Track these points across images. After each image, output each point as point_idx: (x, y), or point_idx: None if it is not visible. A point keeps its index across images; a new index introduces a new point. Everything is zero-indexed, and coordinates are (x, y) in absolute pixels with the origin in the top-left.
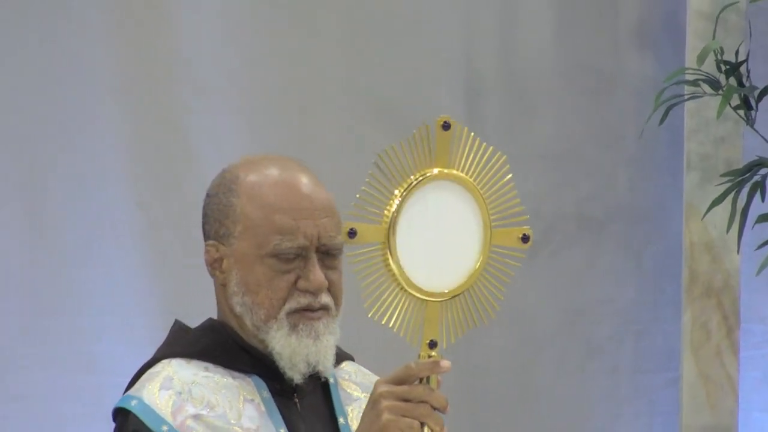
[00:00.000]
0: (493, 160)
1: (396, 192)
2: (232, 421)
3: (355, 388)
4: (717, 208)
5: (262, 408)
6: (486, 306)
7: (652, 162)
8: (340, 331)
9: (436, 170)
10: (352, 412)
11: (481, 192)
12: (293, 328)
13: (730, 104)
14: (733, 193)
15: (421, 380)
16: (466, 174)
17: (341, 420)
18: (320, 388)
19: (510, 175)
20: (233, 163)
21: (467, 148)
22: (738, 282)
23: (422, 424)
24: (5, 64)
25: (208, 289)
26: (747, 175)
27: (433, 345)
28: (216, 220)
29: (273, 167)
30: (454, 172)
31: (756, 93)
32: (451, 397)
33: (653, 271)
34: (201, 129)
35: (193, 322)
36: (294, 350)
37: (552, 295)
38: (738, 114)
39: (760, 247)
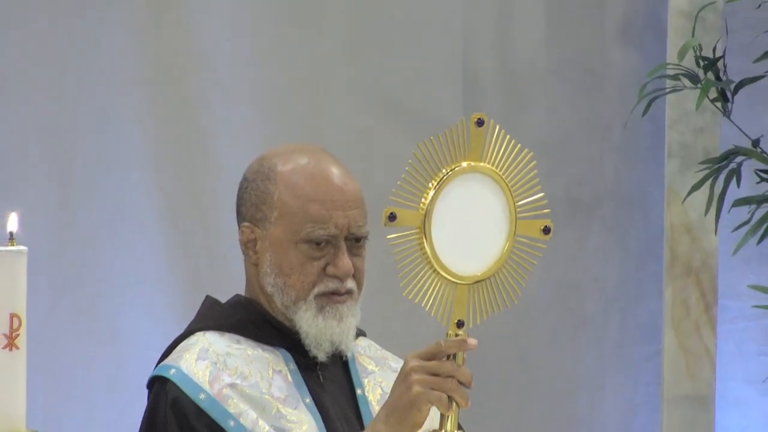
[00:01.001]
0: (521, 156)
1: (432, 182)
2: (264, 391)
3: (369, 362)
4: (696, 193)
5: (290, 379)
6: (509, 291)
7: (636, 150)
8: (360, 313)
9: (468, 163)
10: (368, 384)
11: (509, 185)
12: (320, 309)
13: (708, 97)
14: (711, 179)
15: (448, 357)
16: (496, 168)
17: (359, 391)
18: (339, 361)
19: (535, 171)
20: (271, 150)
21: (498, 144)
22: (715, 261)
23: (449, 398)
24: (37, 59)
25: (222, 267)
26: (724, 162)
27: (460, 324)
28: (253, 204)
29: (308, 158)
30: (486, 165)
31: (732, 86)
32: None
33: (637, 251)
34: (216, 119)
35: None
36: (320, 330)
37: (545, 273)
38: (715, 106)
39: (736, 229)
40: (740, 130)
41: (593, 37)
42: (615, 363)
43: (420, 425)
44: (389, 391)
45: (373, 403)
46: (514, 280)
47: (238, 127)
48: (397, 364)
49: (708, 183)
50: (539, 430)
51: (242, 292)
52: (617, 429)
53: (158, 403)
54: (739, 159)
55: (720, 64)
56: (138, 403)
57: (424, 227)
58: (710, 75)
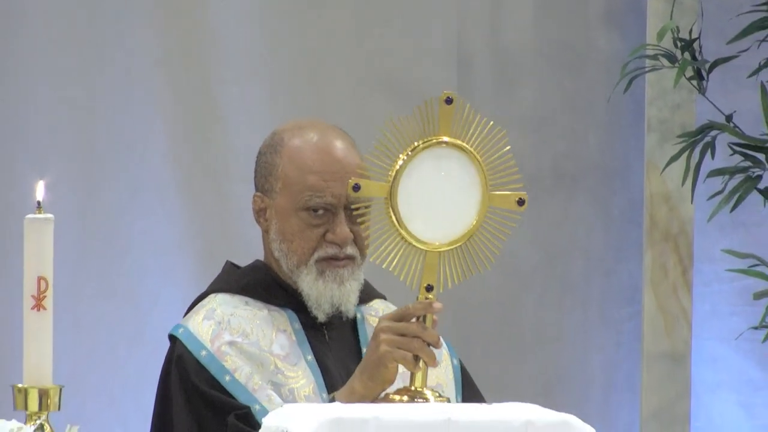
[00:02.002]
0: (494, 132)
1: (401, 155)
2: (264, 348)
3: (375, 322)
4: (673, 165)
5: (293, 338)
6: (483, 259)
7: (618, 125)
8: (364, 276)
9: (437, 138)
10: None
11: (480, 159)
12: (320, 273)
13: (684, 75)
14: (688, 152)
15: (418, 319)
16: (467, 143)
17: (365, 350)
18: (349, 323)
19: (509, 147)
20: (283, 125)
21: (469, 121)
22: (692, 228)
23: (417, 358)
24: (63, 41)
25: (234, 234)
26: (699, 136)
27: (429, 289)
28: (262, 175)
29: (313, 133)
30: (455, 140)
31: (707, 66)
32: (446, 327)
33: (619, 218)
34: (229, 96)
35: (222, 263)
36: (320, 293)
37: (533, 239)
38: (692, 84)
39: (710, 198)
40: (714, 106)
41: (578, 20)
42: (598, 323)
43: (390, 382)
44: None
45: None
46: (487, 249)
47: (249, 105)
48: None
49: (685, 155)
50: (528, 386)
51: (258, 256)
52: (601, 384)
53: (168, 360)
54: (713, 133)
55: (696, 45)
56: (156, 360)
57: (390, 197)
58: (687, 55)
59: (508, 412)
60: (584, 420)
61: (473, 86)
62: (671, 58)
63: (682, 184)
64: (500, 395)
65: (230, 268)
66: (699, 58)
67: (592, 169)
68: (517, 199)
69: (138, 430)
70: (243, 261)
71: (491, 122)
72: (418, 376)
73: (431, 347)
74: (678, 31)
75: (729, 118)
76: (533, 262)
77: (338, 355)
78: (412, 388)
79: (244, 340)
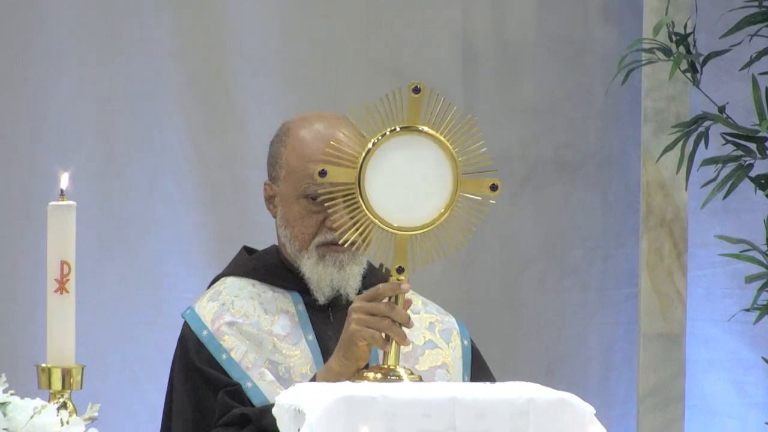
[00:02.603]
0: (464, 121)
1: (369, 143)
2: (263, 328)
3: None
4: (669, 154)
5: (296, 319)
6: (456, 242)
7: (616, 116)
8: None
9: (407, 126)
10: None
11: (450, 146)
12: (321, 258)
13: (679, 68)
14: (682, 141)
15: (390, 299)
16: (436, 131)
17: None
18: None
19: (480, 134)
20: (291, 117)
21: (439, 110)
22: (686, 214)
23: (389, 337)
24: (86, 36)
25: (248, 220)
26: (693, 126)
27: (400, 270)
28: (271, 164)
29: (319, 123)
30: (424, 128)
31: (701, 59)
32: (450, 307)
33: (617, 205)
34: (244, 88)
35: (238, 247)
36: (320, 276)
37: (535, 224)
38: (686, 76)
39: (704, 185)
40: (708, 98)
41: (578, 15)
42: (597, 304)
43: (363, 359)
44: None
45: None
46: (460, 232)
47: (264, 96)
48: (421, 307)
49: (679, 145)
50: (530, 365)
51: (271, 241)
52: (599, 363)
53: (178, 339)
54: (706, 123)
55: (690, 39)
56: (173, 341)
57: (358, 182)
58: (681, 49)
59: (510, 391)
60: (583, 398)
61: (478, 78)
62: (666, 52)
63: (677, 172)
64: (503, 375)
65: (243, 252)
66: (693, 51)
67: (591, 158)
68: (490, 184)
69: (157, 408)
70: (257, 245)
71: (461, 111)
72: (391, 354)
73: (402, 327)
74: (673, 25)
75: (722, 109)
76: (535, 246)
77: (340, 334)
78: (385, 366)
79: (244, 321)
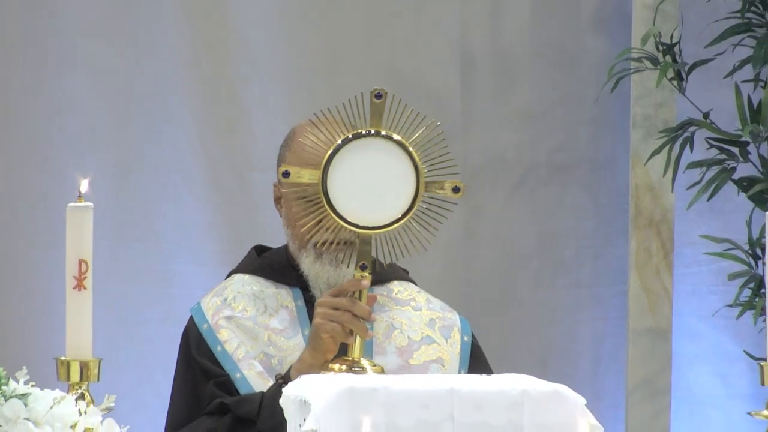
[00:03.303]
0: (429, 126)
1: (333, 145)
2: (260, 323)
3: (388, 301)
4: (656, 157)
5: (294, 314)
6: (420, 240)
7: (606, 121)
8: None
9: (369, 130)
10: (379, 323)
11: (412, 150)
12: (318, 256)
13: (666, 76)
14: (669, 145)
15: (353, 295)
16: (400, 135)
17: (367, 326)
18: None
19: (444, 139)
20: (300, 122)
21: (403, 115)
22: (672, 215)
23: (352, 331)
24: (102, 45)
25: (256, 220)
26: (679, 131)
27: (363, 267)
28: (277, 166)
29: (321, 128)
30: (386, 132)
31: (686, 68)
32: (450, 304)
33: (607, 206)
34: (251, 94)
35: (246, 246)
36: (317, 274)
37: (530, 224)
38: (672, 84)
39: (689, 187)
40: (693, 104)
41: (570, 25)
42: (588, 300)
43: (330, 351)
44: (398, 326)
45: (378, 335)
46: (424, 231)
47: (270, 102)
48: (424, 304)
49: (666, 149)
50: (524, 358)
51: (277, 240)
52: (590, 357)
53: (182, 332)
54: (692, 129)
55: (676, 48)
56: None
57: (322, 182)
58: (668, 58)
59: (505, 383)
60: (575, 389)
61: (475, 84)
62: (654, 61)
63: (664, 175)
64: (500, 367)
65: (253, 251)
66: (679, 60)
67: (582, 161)
68: (452, 186)
69: (168, 399)
70: (263, 245)
71: (425, 116)
72: (355, 346)
73: (363, 320)
74: (660, 36)
75: (706, 115)
76: (530, 245)
77: None
78: (350, 358)
79: (242, 315)
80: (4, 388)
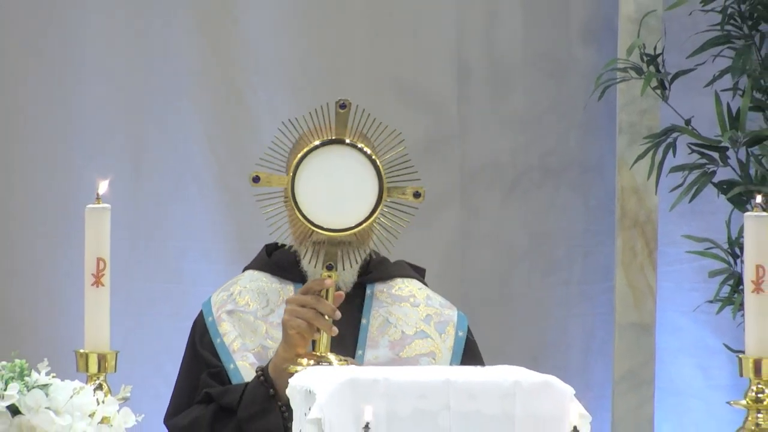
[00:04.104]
0: (392, 134)
1: (301, 152)
2: (260, 316)
3: (387, 297)
4: (641, 162)
5: None
6: (383, 241)
7: (594, 127)
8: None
9: (332, 138)
10: (375, 315)
11: (375, 156)
12: (315, 254)
13: (650, 85)
14: (653, 150)
15: (321, 293)
16: (364, 143)
17: (363, 320)
18: (359, 296)
19: (404, 147)
20: (305, 131)
21: (367, 124)
22: (656, 216)
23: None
24: (117, 55)
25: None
26: (663, 137)
27: (329, 267)
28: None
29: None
30: (350, 140)
31: (669, 77)
32: (448, 299)
33: (595, 207)
34: (259, 101)
35: (255, 245)
36: (314, 271)
37: (523, 224)
38: (656, 93)
39: (672, 190)
40: (676, 111)
41: (561, 37)
42: (577, 297)
43: (300, 346)
44: (393, 321)
45: (372, 329)
46: (387, 233)
47: (276, 108)
48: (422, 301)
49: (650, 154)
50: (518, 351)
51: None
52: (579, 349)
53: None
54: (674, 135)
55: (659, 59)
56: None
57: (290, 187)
58: (652, 68)
59: (498, 374)
60: (564, 380)
61: (471, 92)
62: (639, 71)
63: (648, 178)
64: (493, 360)
65: (264, 249)
66: (662, 70)
67: (572, 165)
68: (413, 191)
69: None
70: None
71: (386, 125)
72: (321, 342)
73: (328, 317)
74: (644, 47)
75: (688, 122)
76: (522, 244)
77: (338, 323)
78: (317, 353)
79: (244, 309)
80: (26, 379)
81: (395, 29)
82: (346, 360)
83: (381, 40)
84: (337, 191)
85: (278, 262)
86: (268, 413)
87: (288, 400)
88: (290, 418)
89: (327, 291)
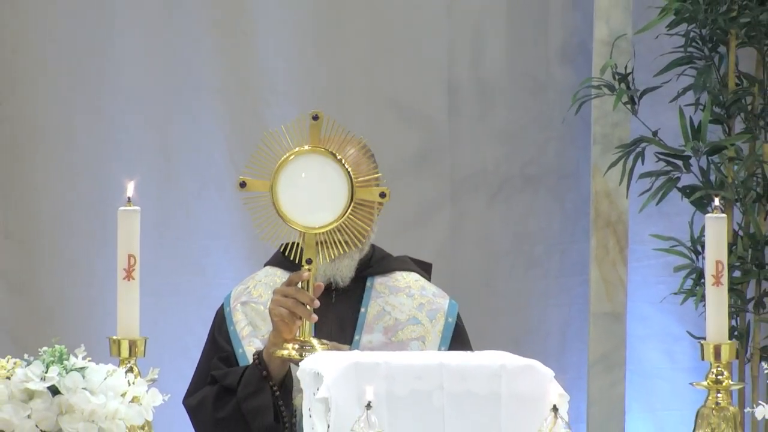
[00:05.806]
0: (359, 141)
1: (280, 159)
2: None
3: (383, 289)
4: (613, 169)
5: None
6: (353, 238)
7: (571, 139)
8: (358, 255)
9: (308, 147)
10: (373, 304)
11: (344, 163)
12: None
13: (621, 101)
14: (624, 159)
15: (302, 285)
16: (334, 151)
17: (362, 309)
18: (360, 287)
19: (371, 153)
20: None
21: (338, 133)
22: (627, 217)
23: (300, 317)
24: (147, 74)
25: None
26: (632, 147)
27: (309, 261)
28: None
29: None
30: (323, 149)
31: (638, 94)
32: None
33: (572, 210)
34: (273, 114)
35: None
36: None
37: (506, 225)
38: (626, 107)
39: (641, 194)
40: (644, 124)
41: (541, 57)
42: (555, 289)
43: (286, 332)
44: (388, 310)
45: (369, 317)
46: (358, 231)
47: (288, 121)
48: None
49: (622, 162)
50: (501, 338)
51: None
52: (557, 336)
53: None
54: (643, 145)
55: (630, 77)
56: None
57: (272, 191)
58: (623, 85)
59: (487, 358)
60: (544, 364)
61: (460, 107)
62: (611, 88)
63: (620, 183)
64: (479, 345)
65: (280, 248)
66: (632, 87)
67: (551, 173)
68: (379, 192)
69: None
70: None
71: (353, 134)
72: (303, 328)
73: (308, 306)
74: (616, 67)
75: (655, 133)
76: (506, 243)
77: (338, 313)
78: (301, 338)
79: (258, 300)
80: (65, 362)
81: (392, 51)
82: (326, 344)
83: (379, 62)
84: (312, 193)
85: (291, 258)
86: (260, 392)
87: (279, 379)
88: (281, 397)
89: (307, 282)
